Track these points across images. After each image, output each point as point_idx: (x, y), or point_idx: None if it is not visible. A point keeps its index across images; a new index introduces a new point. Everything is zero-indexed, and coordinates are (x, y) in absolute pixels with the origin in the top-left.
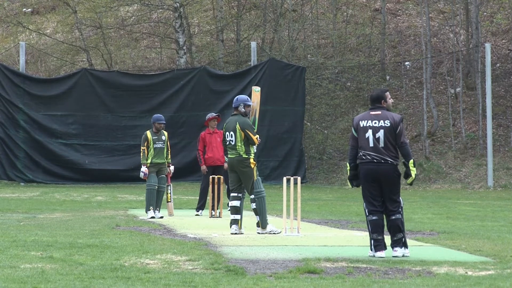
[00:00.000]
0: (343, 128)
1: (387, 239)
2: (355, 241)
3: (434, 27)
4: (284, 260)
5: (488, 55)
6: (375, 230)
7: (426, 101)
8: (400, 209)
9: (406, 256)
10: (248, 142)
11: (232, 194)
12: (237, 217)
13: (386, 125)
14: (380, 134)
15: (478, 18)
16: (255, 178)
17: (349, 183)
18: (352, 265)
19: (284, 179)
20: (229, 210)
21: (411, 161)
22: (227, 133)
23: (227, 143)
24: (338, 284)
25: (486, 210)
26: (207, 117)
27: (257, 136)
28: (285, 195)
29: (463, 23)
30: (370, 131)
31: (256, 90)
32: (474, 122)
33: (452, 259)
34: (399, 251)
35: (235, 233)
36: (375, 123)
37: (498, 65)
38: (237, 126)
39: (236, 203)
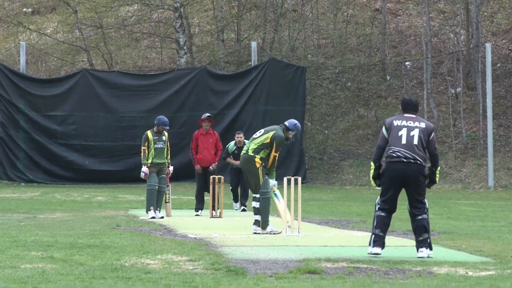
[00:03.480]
0: (343, 128)
1: (390, 241)
2: (355, 241)
3: (435, 27)
4: (284, 260)
5: (488, 55)
6: (379, 226)
7: (426, 101)
8: (425, 210)
9: (430, 257)
10: (265, 149)
11: (253, 195)
12: (257, 217)
13: (421, 126)
14: (415, 132)
15: (478, 18)
16: (261, 178)
17: (372, 182)
18: (353, 265)
19: (285, 179)
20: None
21: (439, 168)
22: (261, 129)
23: (253, 135)
24: (339, 285)
25: (487, 210)
26: (201, 117)
27: (277, 155)
28: (285, 195)
29: (464, 23)
30: (404, 129)
31: (282, 227)
32: (475, 122)
33: (452, 260)
34: (425, 252)
35: (256, 233)
36: (410, 123)
37: (498, 65)
38: (271, 133)
39: (256, 204)
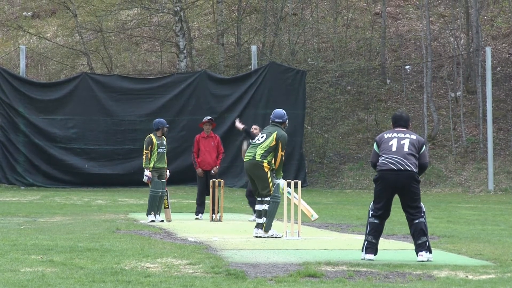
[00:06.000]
0: (343, 132)
1: (390, 245)
2: (355, 244)
3: (435, 31)
4: (284, 264)
5: (488, 59)
6: (372, 233)
7: (426, 105)
8: (422, 214)
9: (430, 261)
10: (272, 152)
11: (257, 199)
12: (260, 221)
13: (412, 137)
14: (405, 141)
15: (478, 22)
16: (271, 182)
17: None
18: (353, 268)
19: (285, 182)
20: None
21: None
22: (261, 133)
23: (255, 140)
24: None
25: (487, 214)
26: (203, 120)
27: (283, 154)
28: (285, 198)
29: (464, 27)
30: (395, 139)
31: (313, 218)
32: (475, 126)
33: (452, 263)
34: (425, 255)
35: (257, 237)
36: (401, 135)
37: (498, 69)
38: (275, 134)
39: (260, 207)
